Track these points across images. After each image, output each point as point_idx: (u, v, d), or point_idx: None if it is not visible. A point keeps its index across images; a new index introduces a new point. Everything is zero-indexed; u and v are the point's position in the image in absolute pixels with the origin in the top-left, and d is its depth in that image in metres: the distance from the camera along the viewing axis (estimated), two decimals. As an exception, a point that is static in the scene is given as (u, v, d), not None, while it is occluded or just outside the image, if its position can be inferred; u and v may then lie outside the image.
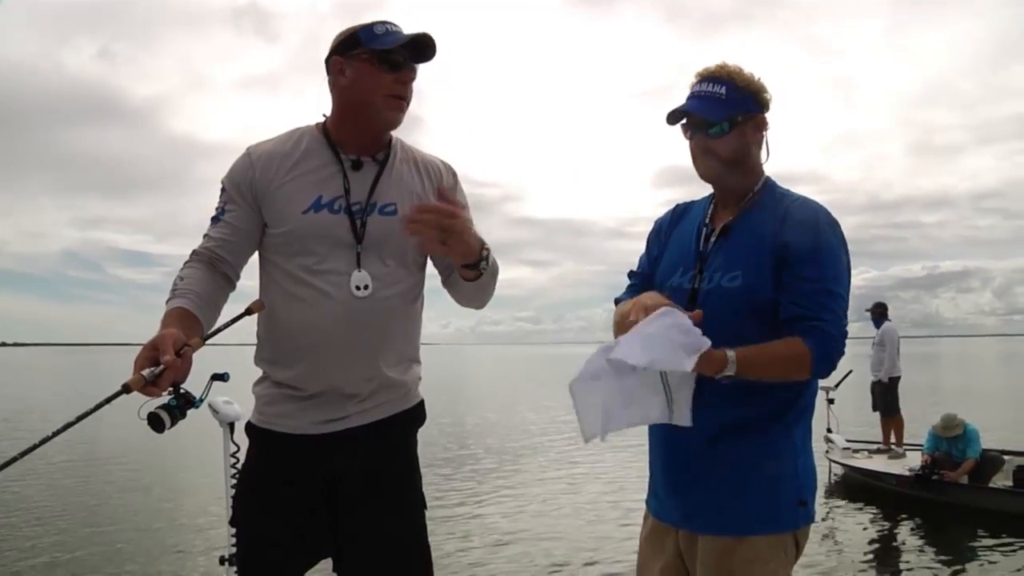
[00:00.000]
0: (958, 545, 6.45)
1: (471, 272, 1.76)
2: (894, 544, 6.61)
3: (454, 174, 1.97)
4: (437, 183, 1.89)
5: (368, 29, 1.79)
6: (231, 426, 2.94)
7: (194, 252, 1.82)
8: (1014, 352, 78.39)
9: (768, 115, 1.81)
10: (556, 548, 6.40)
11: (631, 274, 2.01)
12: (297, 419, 1.81)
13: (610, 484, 9.15)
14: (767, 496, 1.72)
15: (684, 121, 1.82)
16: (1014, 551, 6.17)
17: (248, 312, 1.71)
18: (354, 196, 1.81)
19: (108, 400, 1.47)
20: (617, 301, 1.92)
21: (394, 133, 1.92)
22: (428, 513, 1.95)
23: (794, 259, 1.68)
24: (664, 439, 1.83)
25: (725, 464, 1.73)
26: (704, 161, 1.80)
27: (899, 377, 9.40)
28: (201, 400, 1.63)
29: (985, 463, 7.36)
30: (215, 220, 1.84)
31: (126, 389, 1.45)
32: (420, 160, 1.93)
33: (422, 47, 1.79)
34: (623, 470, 9.70)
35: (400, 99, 1.81)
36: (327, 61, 1.84)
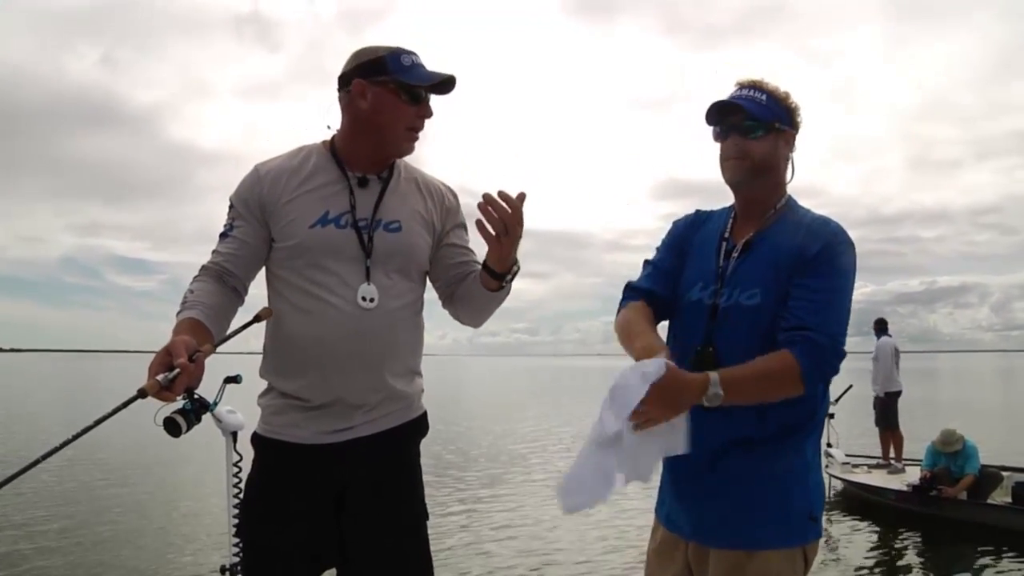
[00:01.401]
0: (956, 561, 6.43)
1: (495, 282, 1.82)
2: (892, 559, 6.58)
3: (455, 196, 2.02)
4: (439, 203, 1.95)
5: (395, 58, 1.80)
6: (234, 435, 2.94)
7: (203, 267, 1.86)
8: (1012, 368, 78.36)
9: (797, 139, 1.83)
10: (557, 560, 6.37)
11: (646, 263, 1.97)
12: (304, 429, 1.82)
13: (611, 496, 9.09)
14: (779, 510, 1.72)
15: (717, 127, 1.82)
16: (1012, 568, 6.15)
17: (257, 319, 1.74)
18: (360, 212, 1.83)
19: (124, 404, 1.49)
20: (624, 298, 1.90)
21: None
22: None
23: (804, 270, 1.68)
24: None
25: (737, 477, 1.72)
26: (735, 163, 1.79)
27: (899, 392, 9.38)
28: (215, 403, 1.66)
29: (984, 479, 7.35)
30: (223, 236, 1.87)
31: (142, 394, 1.47)
32: (422, 181, 1.97)
33: (444, 85, 1.84)
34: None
35: (418, 131, 1.86)
36: (343, 79, 1.84)
